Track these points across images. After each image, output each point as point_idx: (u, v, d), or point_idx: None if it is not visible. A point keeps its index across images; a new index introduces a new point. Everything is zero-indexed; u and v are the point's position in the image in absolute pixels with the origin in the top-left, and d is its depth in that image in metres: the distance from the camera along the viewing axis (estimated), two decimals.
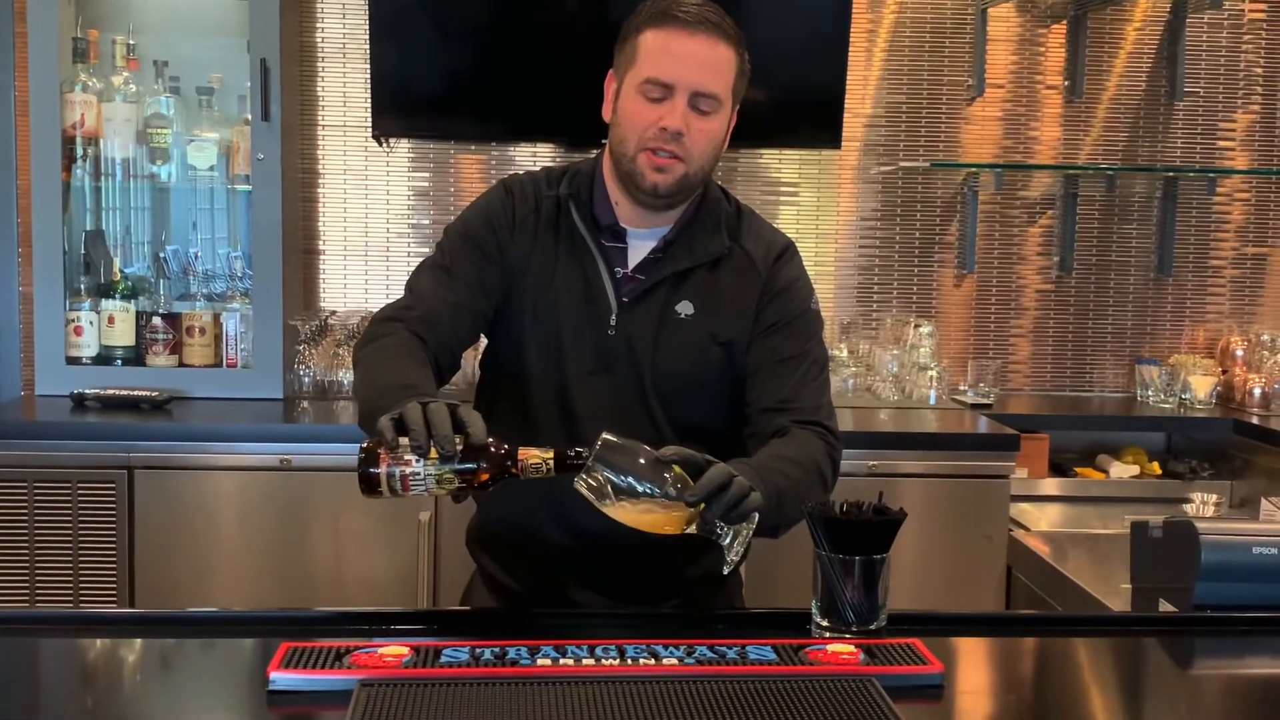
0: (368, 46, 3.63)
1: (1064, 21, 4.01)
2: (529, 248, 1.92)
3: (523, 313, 1.91)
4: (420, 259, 2.01)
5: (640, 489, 1.55)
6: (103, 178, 3.50)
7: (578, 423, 1.87)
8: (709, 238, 1.93)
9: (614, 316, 1.89)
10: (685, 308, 1.90)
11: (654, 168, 1.83)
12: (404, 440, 1.49)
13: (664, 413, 1.90)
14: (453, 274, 1.90)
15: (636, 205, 1.90)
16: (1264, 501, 2.46)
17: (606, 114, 1.92)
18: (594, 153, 2.01)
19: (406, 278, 1.97)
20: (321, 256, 3.89)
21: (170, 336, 3.50)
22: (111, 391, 3.32)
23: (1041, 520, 3.43)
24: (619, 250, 1.92)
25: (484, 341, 2.02)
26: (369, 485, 1.51)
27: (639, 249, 1.93)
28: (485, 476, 1.52)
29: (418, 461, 1.50)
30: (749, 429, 1.91)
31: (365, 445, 1.53)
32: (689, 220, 1.93)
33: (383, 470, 1.50)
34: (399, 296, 1.93)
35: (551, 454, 1.55)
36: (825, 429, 1.89)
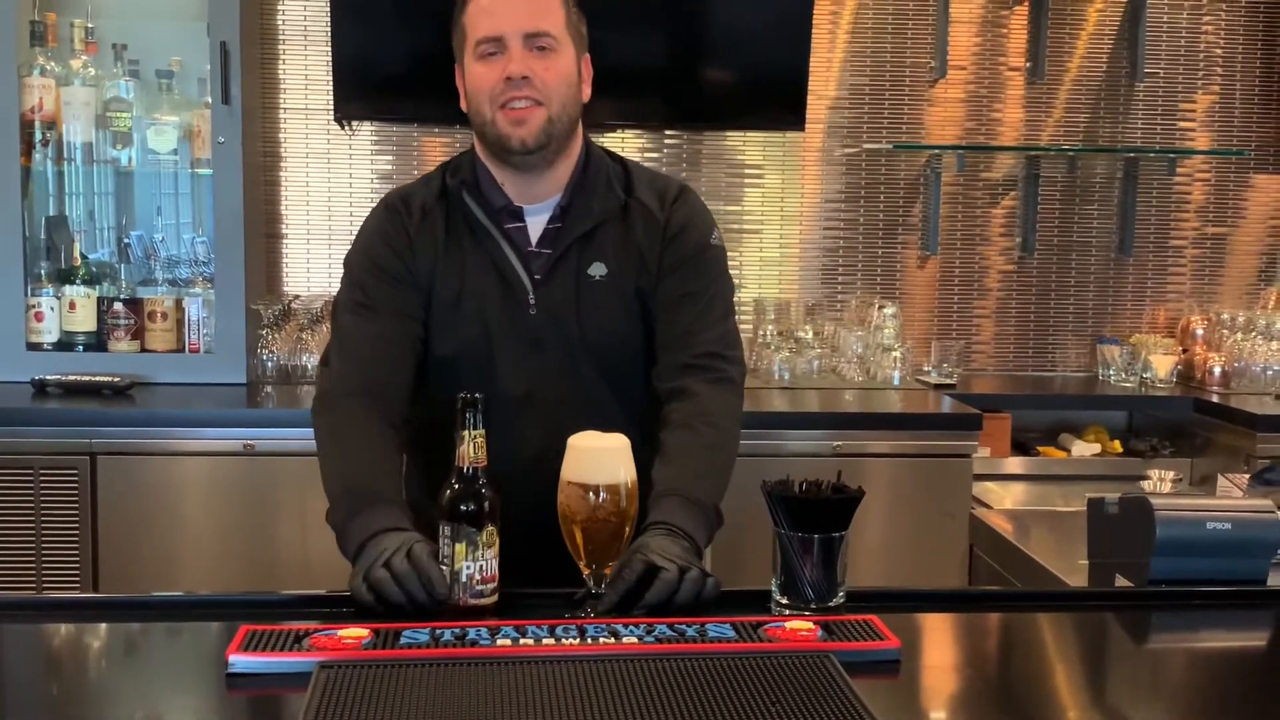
0: (329, 28, 3.62)
1: (1025, 3, 4.03)
2: (433, 254, 1.92)
3: (445, 310, 1.91)
4: None
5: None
6: (65, 162, 3.47)
7: (512, 404, 1.87)
8: (603, 195, 1.94)
9: (532, 295, 1.90)
10: (598, 269, 1.92)
11: (511, 122, 1.84)
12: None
13: (600, 380, 1.91)
14: (375, 308, 1.90)
15: (520, 175, 1.90)
16: (1220, 478, 2.49)
17: (464, 104, 1.93)
18: None
19: None
20: (284, 240, 3.88)
21: (132, 322, 3.47)
22: (73, 377, 3.30)
23: (1005, 499, 3.46)
24: (519, 230, 1.93)
25: None
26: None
27: (538, 224, 1.93)
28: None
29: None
30: (655, 369, 1.92)
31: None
32: (577, 183, 1.94)
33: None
34: (330, 342, 1.94)
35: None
36: (726, 363, 1.91)
